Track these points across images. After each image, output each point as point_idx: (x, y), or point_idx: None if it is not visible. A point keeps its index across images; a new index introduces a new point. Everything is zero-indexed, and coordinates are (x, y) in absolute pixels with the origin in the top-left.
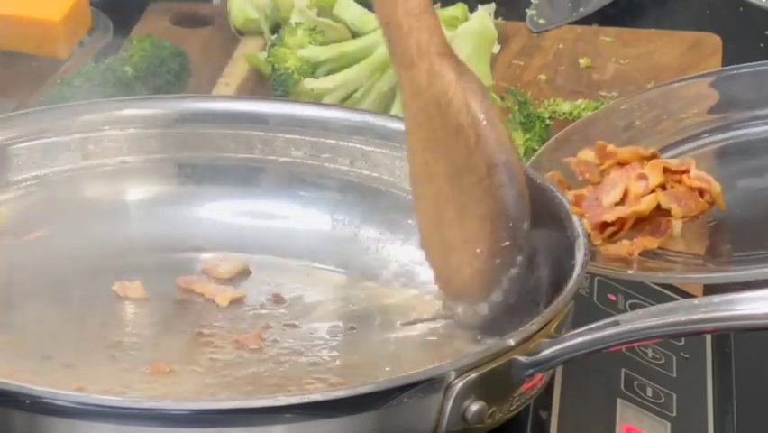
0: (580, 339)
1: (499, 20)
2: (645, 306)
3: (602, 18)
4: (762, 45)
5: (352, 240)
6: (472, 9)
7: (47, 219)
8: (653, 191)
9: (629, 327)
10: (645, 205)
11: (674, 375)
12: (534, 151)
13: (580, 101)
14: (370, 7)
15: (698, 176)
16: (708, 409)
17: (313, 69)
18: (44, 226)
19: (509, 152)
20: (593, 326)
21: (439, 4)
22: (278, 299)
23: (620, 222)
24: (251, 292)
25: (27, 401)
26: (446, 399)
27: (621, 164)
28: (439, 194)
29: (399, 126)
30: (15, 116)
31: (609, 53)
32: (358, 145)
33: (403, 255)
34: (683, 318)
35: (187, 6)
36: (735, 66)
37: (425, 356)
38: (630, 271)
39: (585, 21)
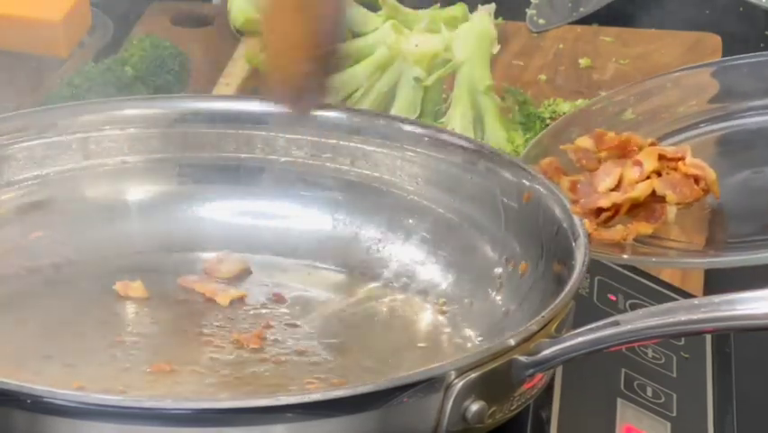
0: (580, 339)
1: (499, 20)
2: (646, 306)
3: (602, 18)
4: (762, 45)
5: (352, 240)
6: (472, 9)
7: (47, 219)
8: (648, 178)
9: (629, 327)
10: (640, 191)
11: (674, 375)
12: None
13: (580, 101)
14: (370, 7)
15: (693, 163)
16: (708, 409)
17: None
18: (45, 226)
19: None
20: (593, 326)
21: (439, 4)
22: (278, 299)
23: (615, 207)
24: (251, 292)
25: (28, 401)
26: (446, 398)
27: (620, 153)
28: None
29: (400, 126)
30: (16, 116)
31: (609, 53)
32: (359, 145)
33: (404, 255)
34: (683, 318)
35: (187, 6)
36: (732, 57)
37: (425, 356)
38: (624, 256)
39: (585, 21)
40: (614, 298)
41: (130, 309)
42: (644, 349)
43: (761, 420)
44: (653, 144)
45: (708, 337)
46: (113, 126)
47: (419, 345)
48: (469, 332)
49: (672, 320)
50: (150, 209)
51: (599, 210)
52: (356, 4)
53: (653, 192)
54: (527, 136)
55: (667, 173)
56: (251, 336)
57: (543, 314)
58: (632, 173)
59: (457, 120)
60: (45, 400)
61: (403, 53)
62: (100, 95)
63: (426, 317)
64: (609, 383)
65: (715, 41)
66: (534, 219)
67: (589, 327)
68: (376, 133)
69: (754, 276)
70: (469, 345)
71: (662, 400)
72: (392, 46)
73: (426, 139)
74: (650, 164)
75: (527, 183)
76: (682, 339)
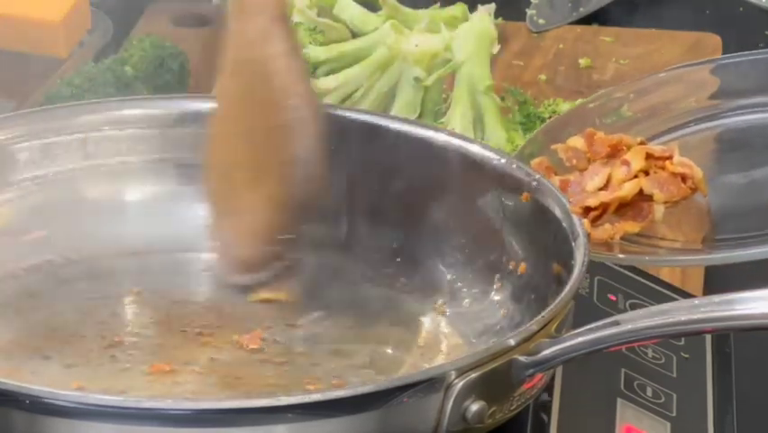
0: (580, 339)
1: (499, 20)
2: (646, 306)
3: (602, 18)
4: (762, 45)
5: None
6: (472, 9)
7: (47, 219)
8: (635, 177)
9: (629, 326)
10: (627, 190)
11: (674, 375)
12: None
13: (579, 101)
14: (370, 7)
15: (680, 162)
16: (708, 409)
17: (313, 69)
18: (44, 226)
19: (314, 150)
20: (593, 325)
21: (439, 4)
22: (278, 299)
23: (603, 206)
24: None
25: (27, 402)
26: (446, 399)
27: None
28: (236, 148)
29: (400, 126)
30: (16, 116)
31: (609, 53)
32: (358, 144)
33: (406, 254)
34: (683, 318)
35: (187, 6)
36: (727, 55)
37: (425, 356)
38: (611, 255)
39: (585, 21)
40: (614, 298)
41: (129, 310)
42: (644, 349)
43: (761, 420)
44: (642, 144)
45: (708, 337)
46: (112, 127)
47: (419, 345)
48: (469, 332)
49: (671, 320)
50: (150, 209)
51: (588, 209)
52: (356, 4)
53: (641, 191)
54: (527, 136)
55: (655, 172)
56: (251, 337)
57: (542, 314)
58: (620, 172)
59: (457, 120)
60: (44, 400)
61: (403, 53)
62: (100, 95)
63: (426, 317)
64: (609, 383)
65: (715, 41)
66: (533, 219)
67: (588, 327)
68: (374, 133)
69: (753, 276)
70: (468, 345)
71: (662, 400)
72: (392, 46)
73: (426, 139)
74: (637, 163)
75: (527, 183)
76: (682, 339)
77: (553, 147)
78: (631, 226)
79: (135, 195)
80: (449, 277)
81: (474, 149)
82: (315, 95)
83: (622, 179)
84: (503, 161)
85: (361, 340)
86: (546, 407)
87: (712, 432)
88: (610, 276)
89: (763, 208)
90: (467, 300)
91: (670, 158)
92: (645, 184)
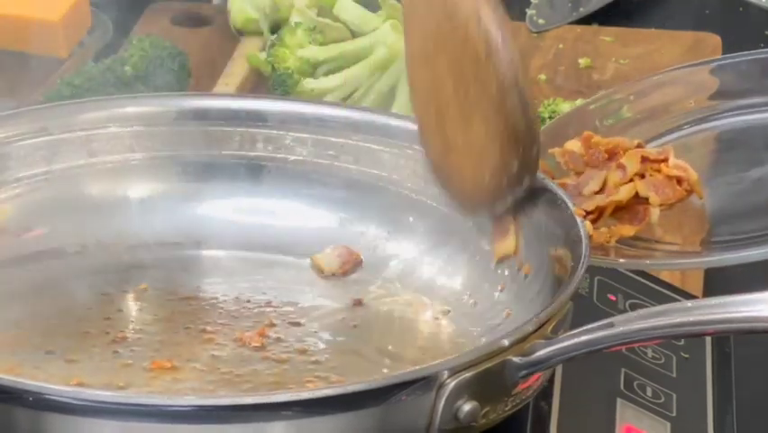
0: (575, 340)
1: None
2: (645, 306)
3: (602, 18)
4: (762, 45)
5: (358, 238)
6: None
7: (51, 216)
8: (631, 180)
9: (623, 328)
10: (623, 194)
11: (674, 375)
12: None
13: (579, 101)
14: (370, 7)
15: (676, 164)
16: (707, 409)
17: (313, 68)
18: (48, 223)
19: (521, 74)
20: (588, 327)
21: None
22: (281, 297)
23: (599, 210)
24: (254, 290)
25: (30, 398)
26: (438, 398)
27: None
28: (440, 87)
29: (400, 123)
30: (19, 113)
31: (609, 53)
32: (362, 143)
33: (407, 254)
34: (678, 321)
35: (187, 6)
36: (726, 56)
37: (426, 356)
38: (608, 259)
39: (585, 21)
40: (614, 298)
41: (132, 306)
42: (643, 349)
43: (761, 420)
44: (639, 146)
45: (708, 337)
46: (115, 124)
47: (421, 344)
48: (471, 332)
49: (666, 322)
50: (153, 206)
51: (584, 213)
52: (356, 4)
53: (637, 194)
54: None
55: (650, 175)
56: (253, 335)
57: (538, 315)
58: (616, 176)
59: None
60: (45, 396)
61: (403, 53)
62: (100, 95)
63: (429, 316)
64: (609, 383)
65: (715, 41)
66: (536, 220)
67: (584, 328)
68: (378, 132)
69: (753, 278)
70: (470, 345)
71: (662, 400)
72: (392, 46)
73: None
74: (633, 167)
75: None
76: (682, 339)
77: (550, 151)
78: (627, 230)
79: (139, 192)
80: (453, 276)
81: None
82: (503, 17)
83: (618, 182)
84: None
85: (363, 339)
86: (546, 407)
87: (712, 432)
88: (610, 276)
89: (761, 209)
90: (471, 300)
91: (665, 161)
92: (641, 187)
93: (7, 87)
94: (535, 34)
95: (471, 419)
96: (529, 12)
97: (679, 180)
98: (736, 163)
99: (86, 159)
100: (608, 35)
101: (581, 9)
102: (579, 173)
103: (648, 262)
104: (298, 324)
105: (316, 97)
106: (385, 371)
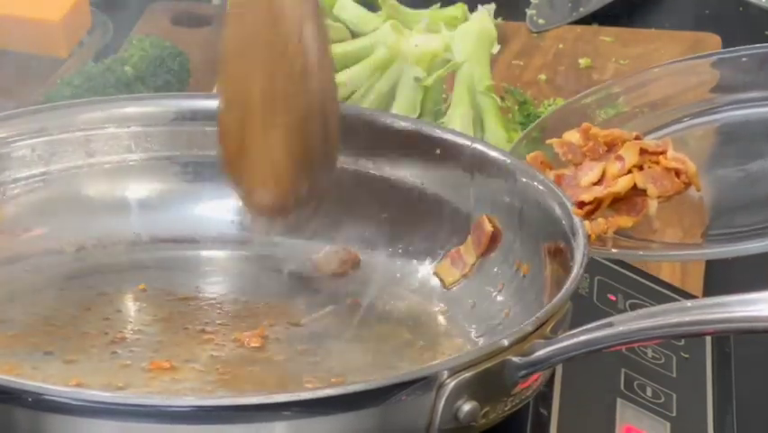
0: (574, 340)
1: (499, 20)
2: (645, 306)
3: (602, 18)
4: None
5: (357, 238)
6: (472, 9)
7: (50, 216)
8: (629, 172)
9: (622, 328)
10: (621, 185)
11: (674, 375)
12: None
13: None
14: (370, 7)
15: (674, 157)
16: (707, 409)
17: None
18: (47, 223)
19: (330, 100)
20: (588, 327)
21: (439, 4)
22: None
23: (597, 201)
24: (253, 290)
25: (29, 399)
26: (438, 398)
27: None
28: (248, 90)
29: (400, 124)
30: (19, 114)
31: (609, 53)
32: (361, 144)
33: (406, 254)
34: (676, 320)
35: (187, 6)
36: (726, 50)
37: (426, 356)
38: (604, 250)
39: (585, 21)
40: (614, 298)
41: (131, 306)
42: (643, 349)
43: (761, 420)
44: (637, 138)
45: (709, 337)
46: (114, 124)
47: (421, 344)
48: (471, 332)
49: (666, 322)
50: (152, 207)
51: (582, 204)
52: (356, 4)
53: (635, 186)
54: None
55: (649, 167)
56: (252, 335)
57: (537, 315)
58: (614, 168)
59: (457, 120)
60: (43, 396)
61: (403, 53)
62: (100, 95)
63: (428, 317)
64: (609, 383)
65: (715, 41)
66: (534, 219)
67: (583, 328)
68: (377, 133)
69: (753, 278)
70: (470, 345)
71: (662, 400)
72: (392, 46)
73: (428, 138)
74: (631, 158)
75: (528, 182)
76: (682, 339)
77: (548, 142)
78: (625, 221)
79: (138, 192)
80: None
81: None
82: (326, 40)
83: (616, 174)
84: (508, 161)
85: (362, 339)
86: (546, 407)
87: (712, 432)
88: (610, 276)
89: (759, 202)
90: (470, 301)
91: (663, 153)
92: (639, 179)
93: (7, 87)
94: (535, 34)
95: (471, 419)
96: (529, 12)
97: (677, 173)
98: (734, 156)
99: (85, 159)
100: (607, 35)
101: (581, 9)
102: (577, 164)
103: (645, 253)
104: (297, 324)
105: None
106: (385, 371)
